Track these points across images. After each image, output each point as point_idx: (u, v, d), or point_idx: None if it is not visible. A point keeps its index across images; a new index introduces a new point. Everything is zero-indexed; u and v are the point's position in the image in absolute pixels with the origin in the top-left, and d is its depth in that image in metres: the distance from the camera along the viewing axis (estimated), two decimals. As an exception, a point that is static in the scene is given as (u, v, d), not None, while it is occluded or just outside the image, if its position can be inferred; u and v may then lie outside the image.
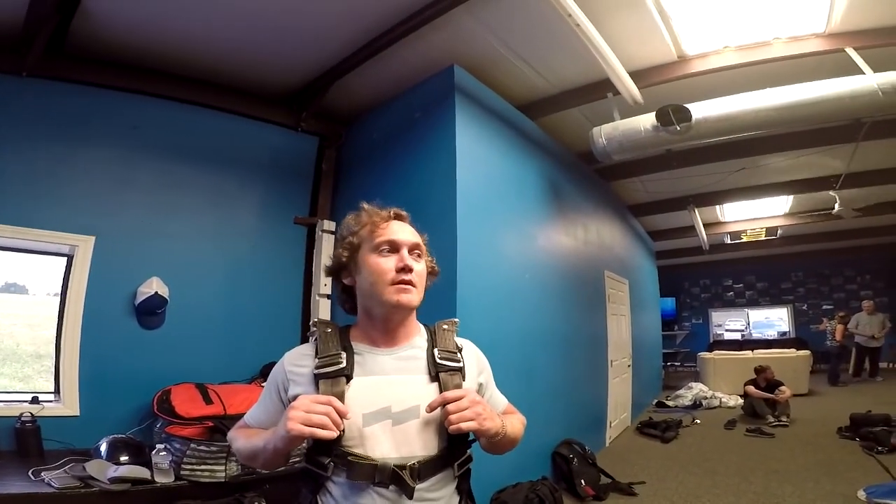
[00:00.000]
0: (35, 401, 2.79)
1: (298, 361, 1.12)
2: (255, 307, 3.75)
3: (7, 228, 2.87)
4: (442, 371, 1.12)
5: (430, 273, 1.22)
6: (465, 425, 0.99)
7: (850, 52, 3.22)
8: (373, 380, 1.08)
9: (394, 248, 1.12)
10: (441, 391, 1.08)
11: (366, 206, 1.22)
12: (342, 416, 0.97)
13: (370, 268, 1.11)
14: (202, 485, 2.40)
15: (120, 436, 2.64)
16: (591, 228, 5.64)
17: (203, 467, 2.44)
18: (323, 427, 0.93)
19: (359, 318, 1.18)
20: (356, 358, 1.10)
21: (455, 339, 1.22)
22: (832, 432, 5.27)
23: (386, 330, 1.14)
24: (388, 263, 1.10)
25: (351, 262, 1.16)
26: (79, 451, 2.59)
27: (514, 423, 1.20)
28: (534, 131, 4.38)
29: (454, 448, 1.09)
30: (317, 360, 1.07)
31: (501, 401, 1.31)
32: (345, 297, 1.22)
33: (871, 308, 9.10)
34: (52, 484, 2.13)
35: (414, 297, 1.11)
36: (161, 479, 2.33)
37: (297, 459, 1.09)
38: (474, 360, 1.22)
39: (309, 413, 0.93)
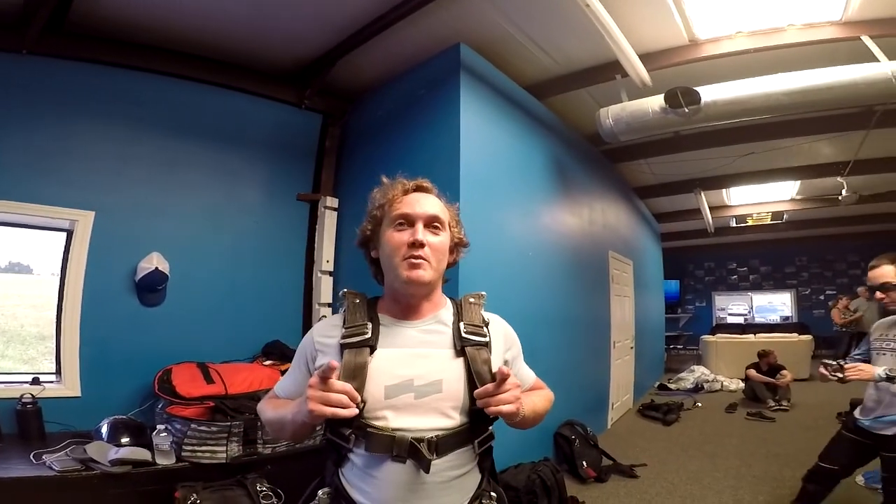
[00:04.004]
0: (36, 382, 2.77)
1: (327, 332, 1.12)
2: (257, 284, 3.73)
3: (6, 203, 2.84)
4: (468, 346, 1.09)
5: (458, 244, 1.22)
6: (505, 409, 0.95)
7: (866, 39, 3.16)
8: (396, 352, 1.07)
9: (409, 221, 1.11)
10: (468, 366, 1.07)
11: (386, 179, 1.20)
12: (353, 400, 0.95)
13: (386, 242, 1.11)
14: (203, 466, 2.39)
15: (121, 417, 2.62)
16: (597, 209, 5.59)
17: (204, 448, 2.42)
18: (342, 406, 0.92)
19: (385, 290, 1.18)
20: (381, 329, 1.09)
21: (482, 312, 1.20)
22: (832, 417, 5.27)
23: (408, 304, 1.13)
24: (401, 238, 1.09)
25: (374, 235, 1.17)
26: (80, 433, 2.57)
27: (537, 402, 1.18)
28: (540, 111, 4.31)
29: (475, 424, 1.07)
30: (343, 330, 1.08)
31: (529, 378, 1.30)
32: (374, 269, 1.21)
33: (867, 294, 9.05)
34: (54, 467, 2.12)
35: (426, 272, 1.08)
36: (162, 461, 2.31)
37: (321, 433, 1.10)
38: (501, 335, 1.21)
39: (326, 393, 0.92)
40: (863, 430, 2.53)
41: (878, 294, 2.39)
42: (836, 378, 2.39)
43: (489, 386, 0.97)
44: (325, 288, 3.91)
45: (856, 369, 2.28)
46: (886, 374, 2.19)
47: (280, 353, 3.42)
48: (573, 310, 4.64)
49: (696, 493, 3.52)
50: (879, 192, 6.78)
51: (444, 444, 1.02)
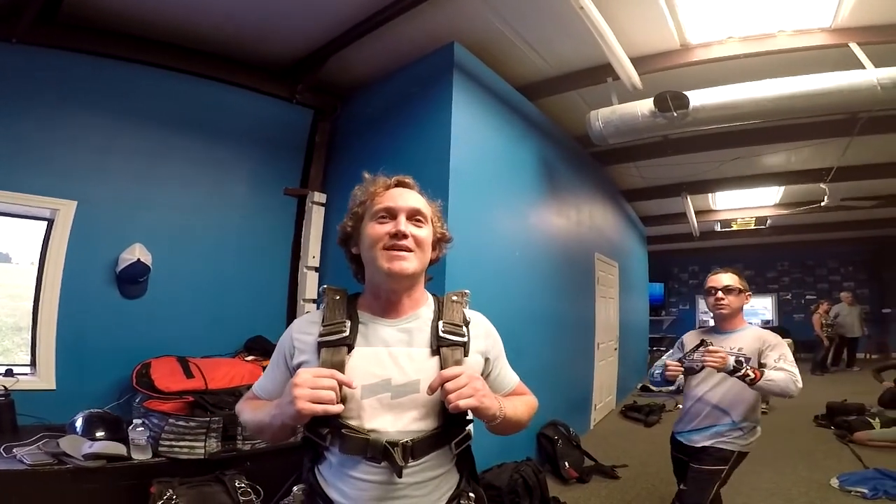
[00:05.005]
0: (9, 373, 2.71)
1: (306, 329, 1.11)
2: (242, 278, 3.69)
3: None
4: (444, 345, 1.07)
5: (440, 239, 1.19)
6: (463, 403, 0.94)
7: (854, 47, 3.19)
8: (374, 351, 1.05)
9: (391, 214, 1.09)
10: (441, 367, 1.04)
11: (367, 175, 1.19)
12: (348, 386, 0.96)
13: (367, 235, 1.09)
14: (181, 461, 2.35)
15: (96, 410, 2.56)
16: (584, 210, 5.61)
17: (182, 443, 2.38)
18: (331, 402, 0.91)
19: (365, 286, 1.17)
20: (360, 327, 1.07)
21: (464, 311, 1.18)
22: (809, 420, 5.36)
23: (388, 299, 1.11)
24: (382, 229, 1.07)
25: (355, 232, 1.15)
26: (54, 427, 2.51)
27: (518, 406, 1.15)
28: (531, 112, 4.32)
29: (451, 426, 1.05)
30: (321, 328, 1.06)
31: (511, 380, 1.27)
32: (355, 267, 1.19)
33: (850, 299, 9.26)
34: (25, 460, 2.07)
35: (409, 263, 1.06)
36: (138, 456, 2.27)
37: (301, 434, 1.10)
38: (482, 335, 1.18)
39: (315, 389, 0.91)
40: (680, 446, 2.51)
41: (719, 295, 2.39)
42: (694, 363, 2.29)
43: (444, 373, 0.97)
44: (310, 284, 3.88)
45: (717, 353, 2.14)
46: (735, 363, 2.11)
47: (262, 349, 3.38)
48: (558, 310, 4.65)
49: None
50: (859, 198, 6.89)
51: (419, 446, 1.00)
